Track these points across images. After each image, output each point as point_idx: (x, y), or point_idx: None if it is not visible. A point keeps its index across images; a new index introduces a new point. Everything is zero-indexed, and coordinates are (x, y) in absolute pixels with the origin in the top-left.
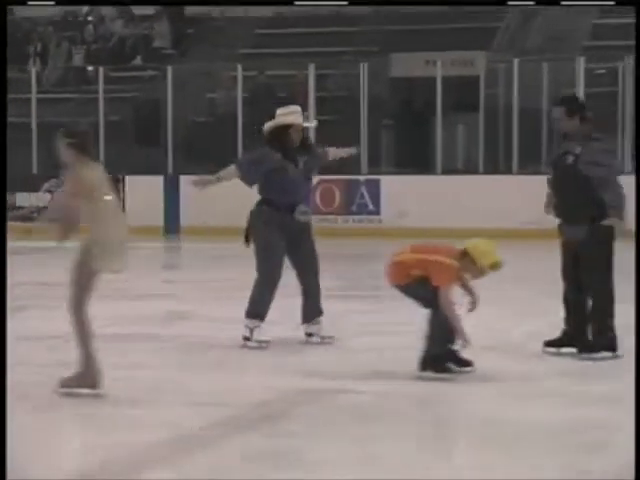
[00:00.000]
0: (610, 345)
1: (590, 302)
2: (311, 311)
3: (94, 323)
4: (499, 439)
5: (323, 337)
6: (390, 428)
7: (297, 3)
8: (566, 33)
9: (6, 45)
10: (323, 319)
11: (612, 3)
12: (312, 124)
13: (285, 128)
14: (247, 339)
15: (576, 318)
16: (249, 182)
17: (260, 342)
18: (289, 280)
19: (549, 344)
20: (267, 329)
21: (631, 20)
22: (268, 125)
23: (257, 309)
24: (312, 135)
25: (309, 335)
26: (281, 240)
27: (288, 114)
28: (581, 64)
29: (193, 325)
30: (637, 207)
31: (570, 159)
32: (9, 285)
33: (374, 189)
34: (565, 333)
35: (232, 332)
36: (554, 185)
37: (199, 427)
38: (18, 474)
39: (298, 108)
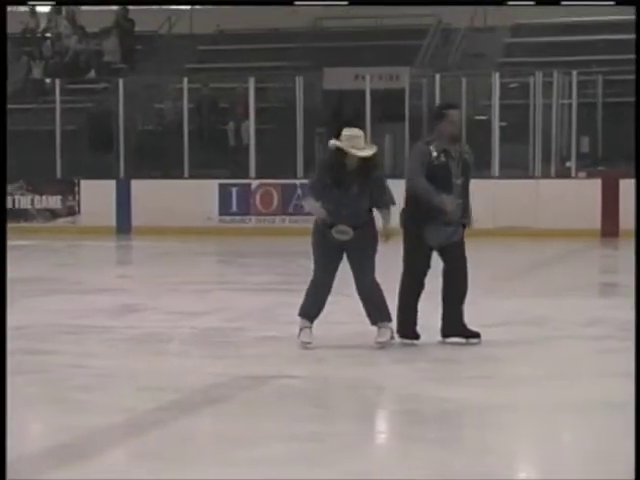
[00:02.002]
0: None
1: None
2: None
3: (54, 316)
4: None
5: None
6: (325, 410)
7: (297, 3)
8: (482, 51)
9: (6, 45)
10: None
11: (612, 3)
12: (367, 154)
13: (342, 154)
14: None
15: None
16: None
17: (303, 343)
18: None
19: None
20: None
21: (541, 39)
22: (332, 144)
23: (305, 309)
24: (253, 141)
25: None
26: (330, 247)
27: (351, 138)
28: (496, 79)
29: (144, 317)
30: (637, 207)
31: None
32: None
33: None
34: None
35: (179, 323)
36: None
37: (147, 410)
38: None
39: (361, 133)
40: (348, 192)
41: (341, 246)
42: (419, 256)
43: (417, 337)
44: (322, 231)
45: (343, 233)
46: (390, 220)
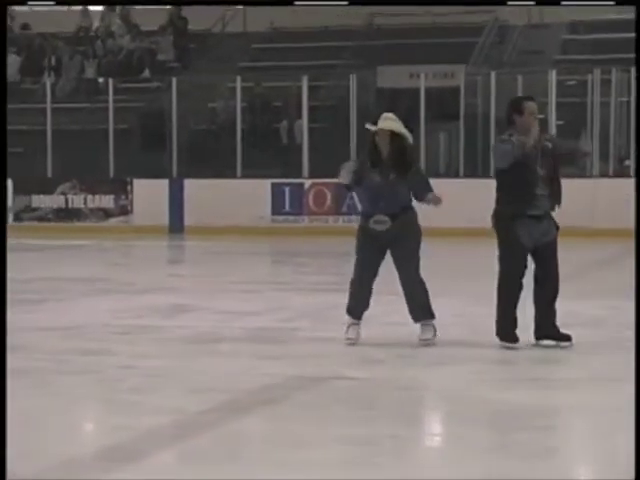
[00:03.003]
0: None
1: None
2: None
3: (107, 316)
4: (474, 417)
5: (423, 340)
6: (380, 411)
7: (297, 3)
8: (538, 48)
9: (6, 45)
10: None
11: (612, 3)
12: (386, 125)
13: (374, 135)
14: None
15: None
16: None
17: (348, 339)
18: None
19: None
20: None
21: (599, 35)
22: (367, 127)
23: (349, 307)
24: (306, 140)
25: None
26: (372, 245)
27: (381, 120)
28: (553, 76)
29: (196, 317)
30: (637, 207)
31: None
32: (26, 280)
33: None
34: None
35: (231, 323)
36: None
37: (199, 412)
38: (19, 456)
39: (393, 116)
40: (386, 180)
41: (383, 244)
42: (514, 256)
43: (516, 340)
44: (363, 227)
45: (381, 223)
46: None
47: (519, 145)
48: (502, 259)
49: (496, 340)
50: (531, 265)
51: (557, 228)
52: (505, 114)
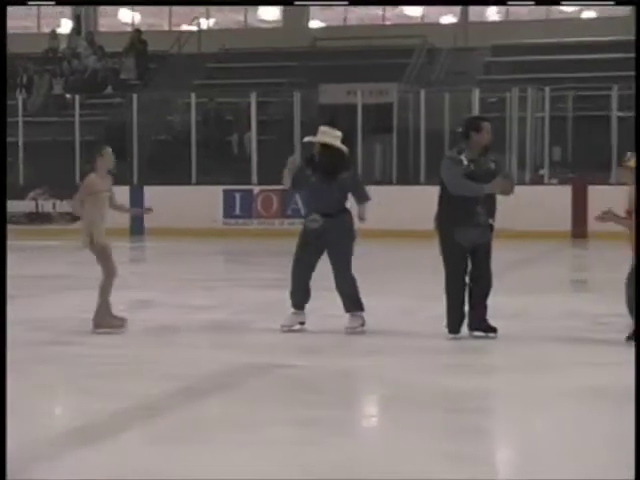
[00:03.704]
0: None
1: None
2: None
3: (74, 310)
4: (409, 400)
5: (349, 328)
6: (323, 396)
7: (297, 3)
8: (463, 69)
9: (5, 46)
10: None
11: (612, 3)
12: (321, 139)
13: (311, 145)
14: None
15: None
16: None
17: (284, 326)
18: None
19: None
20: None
21: (517, 58)
22: (306, 139)
23: (291, 299)
24: (254, 151)
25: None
26: (309, 243)
27: (319, 133)
28: (476, 94)
29: (157, 311)
30: (637, 208)
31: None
32: None
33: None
34: None
35: (190, 316)
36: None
37: (160, 397)
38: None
39: (327, 129)
40: (320, 184)
41: (320, 243)
42: (456, 256)
43: (458, 332)
44: (304, 228)
45: (314, 221)
46: (365, 210)
47: (488, 189)
48: (445, 261)
49: (428, 330)
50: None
51: (492, 229)
52: (462, 130)
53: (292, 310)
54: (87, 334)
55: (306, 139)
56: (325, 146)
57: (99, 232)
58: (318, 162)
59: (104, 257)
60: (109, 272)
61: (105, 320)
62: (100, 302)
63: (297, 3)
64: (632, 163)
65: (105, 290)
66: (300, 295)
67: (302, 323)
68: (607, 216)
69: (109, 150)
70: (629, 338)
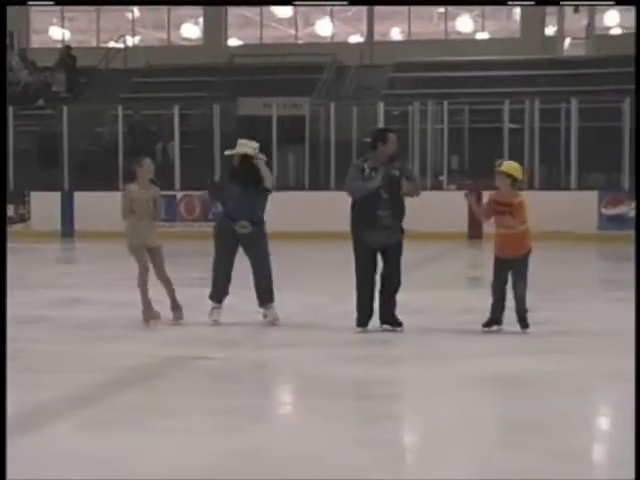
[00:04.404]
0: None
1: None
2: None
3: (8, 307)
4: (322, 389)
5: (271, 320)
6: (242, 386)
7: (297, 3)
8: (369, 84)
9: (5, 46)
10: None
11: (612, 3)
12: (237, 151)
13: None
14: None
15: None
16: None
17: (213, 321)
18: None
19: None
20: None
21: (418, 74)
22: (226, 152)
23: (212, 294)
24: (177, 159)
25: (264, 316)
26: (229, 243)
27: (238, 145)
28: (381, 108)
29: (86, 308)
30: (637, 208)
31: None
32: None
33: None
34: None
35: (117, 312)
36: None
37: (89, 387)
38: None
39: (245, 142)
40: (244, 193)
41: (237, 241)
42: (364, 256)
43: (365, 325)
44: (223, 227)
45: (244, 227)
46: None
47: (373, 186)
48: (355, 260)
49: (338, 324)
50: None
51: (402, 231)
52: (370, 141)
53: (214, 305)
54: (20, 330)
55: (227, 152)
56: (245, 157)
57: (135, 236)
58: (241, 173)
59: (136, 258)
60: (140, 270)
61: (148, 313)
62: (141, 297)
63: (297, 3)
64: (504, 168)
65: (140, 286)
66: (221, 290)
67: (219, 317)
68: (469, 197)
69: (148, 161)
70: (486, 325)
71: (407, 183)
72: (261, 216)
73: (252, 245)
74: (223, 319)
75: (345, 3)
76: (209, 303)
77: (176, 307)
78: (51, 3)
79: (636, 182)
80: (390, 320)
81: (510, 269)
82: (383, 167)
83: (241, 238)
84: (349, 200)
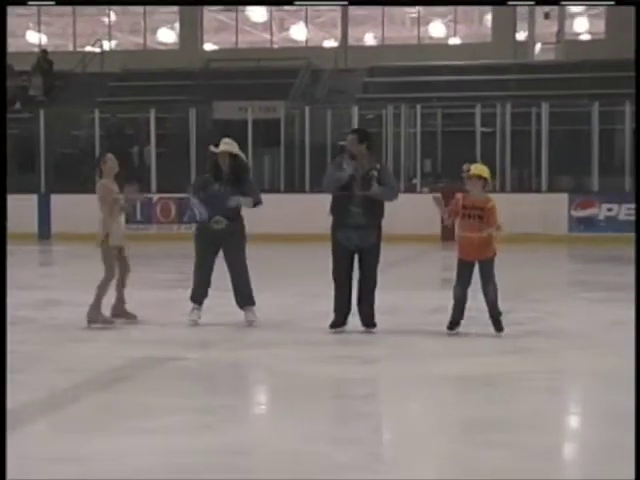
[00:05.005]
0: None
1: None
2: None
3: None
4: (297, 388)
5: (249, 321)
6: (216, 386)
7: (297, 3)
8: (344, 88)
9: (6, 45)
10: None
11: (612, 3)
12: (224, 148)
13: (215, 155)
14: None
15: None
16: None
17: (192, 321)
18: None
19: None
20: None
21: (391, 79)
22: (211, 148)
23: (192, 294)
24: (154, 162)
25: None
26: (208, 244)
27: (222, 144)
28: (355, 111)
29: (61, 309)
30: (637, 208)
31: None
32: None
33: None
34: None
35: None
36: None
37: (65, 388)
38: None
39: (230, 141)
40: (224, 188)
41: (217, 243)
42: (340, 256)
43: (342, 325)
44: (203, 228)
45: (218, 223)
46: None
47: (340, 175)
48: (333, 260)
49: (314, 325)
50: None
51: (379, 233)
52: (344, 144)
53: (194, 305)
54: None
55: (212, 148)
56: (232, 155)
57: (114, 235)
58: (227, 170)
59: (107, 258)
60: (108, 275)
61: (97, 316)
62: (95, 299)
63: (297, 3)
64: (474, 170)
65: (102, 289)
66: (202, 291)
67: (199, 318)
68: (436, 199)
69: (111, 156)
70: (449, 328)
71: (376, 186)
72: (238, 215)
73: (229, 242)
74: (201, 320)
75: (345, 3)
76: (189, 304)
77: (123, 309)
78: (52, 3)
79: (636, 185)
80: (365, 321)
81: (472, 272)
82: (361, 165)
83: (219, 237)
84: (326, 203)
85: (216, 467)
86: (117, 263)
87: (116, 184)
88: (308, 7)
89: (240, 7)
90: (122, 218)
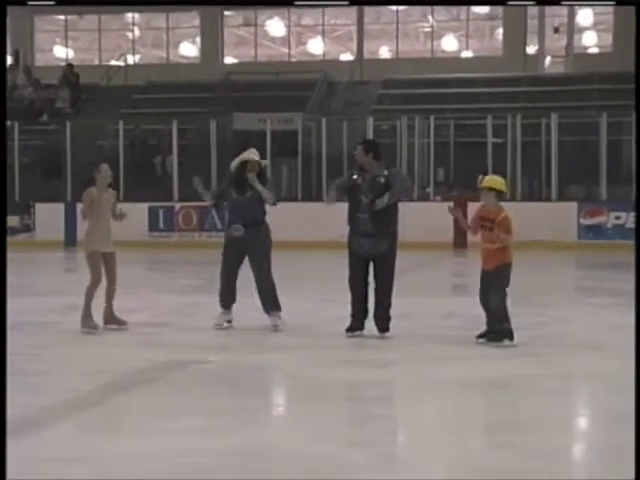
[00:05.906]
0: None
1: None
2: (264, 305)
3: (13, 314)
4: (314, 391)
5: (275, 326)
6: (236, 388)
7: (297, 3)
8: (359, 100)
9: (5, 46)
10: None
11: (612, 3)
12: (254, 157)
13: (244, 165)
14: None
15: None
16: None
17: (216, 324)
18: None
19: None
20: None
21: (405, 91)
22: (235, 162)
23: (219, 299)
24: (175, 172)
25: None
26: (233, 250)
27: (247, 153)
28: (370, 122)
29: None
30: (637, 209)
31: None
32: None
33: (222, 213)
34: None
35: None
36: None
37: (89, 390)
38: None
39: (254, 150)
40: (244, 196)
41: (241, 250)
42: (354, 263)
43: (358, 329)
44: (227, 235)
45: (236, 230)
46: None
47: (339, 181)
48: (349, 266)
49: (330, 329)
50: None
51: (393, 239)
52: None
53: (221, 310)
54: (25, 336)
55: (253, 156)
56: (246, 162)
57: (96, 241)
58: (238, 178)
59: (91, 263)
60: (94, 280)
61: (87, 321)
62: (84, 305)
63: (297, 3)
64: (485, 183)
65: (88, 294)
66: (228, 296)
67: (229, 321)
68: (455, 212)
69: (105, 166)
70: (479, 337)
71: (383, 198)
72: (256, 219)
73: (252, 248)
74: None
75: (346, 3)
76: (210, 309)
77: (112, 315)
78: (52, 3)
79: (636, 192)
80: (378, 325)
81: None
82: (370, 175)
83: (242, 244)
84: (343, 211)
85: (233, 468)
86: (104, 268)
87: (112, 193)
88: (325, 22)
89: (259, 22)
90: (109, 224)
